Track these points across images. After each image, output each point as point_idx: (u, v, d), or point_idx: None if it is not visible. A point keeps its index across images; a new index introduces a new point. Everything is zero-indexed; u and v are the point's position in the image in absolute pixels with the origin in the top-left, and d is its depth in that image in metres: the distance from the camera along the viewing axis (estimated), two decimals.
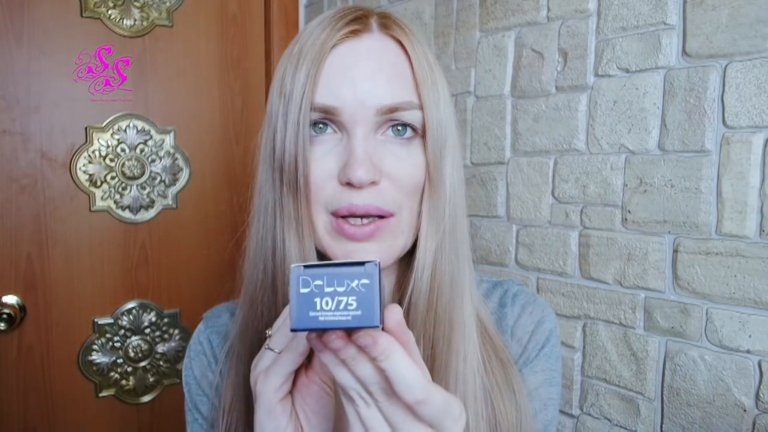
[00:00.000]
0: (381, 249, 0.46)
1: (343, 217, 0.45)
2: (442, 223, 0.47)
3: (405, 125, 0.46)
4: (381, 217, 0.45)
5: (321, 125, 0.46)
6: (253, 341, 0.49)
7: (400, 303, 0.48)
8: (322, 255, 0.48)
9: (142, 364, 1.35)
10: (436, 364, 0.47)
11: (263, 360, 0.39)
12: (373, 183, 0.44)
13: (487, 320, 0.53)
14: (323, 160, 0.45)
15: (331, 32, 0.44)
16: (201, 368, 0.58)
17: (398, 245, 0.47)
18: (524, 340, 0.55)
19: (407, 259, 0.50)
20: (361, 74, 0.44)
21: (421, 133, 0.47)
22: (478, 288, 0.55)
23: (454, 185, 0.49)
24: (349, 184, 0.44)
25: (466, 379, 0.47)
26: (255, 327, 0.49)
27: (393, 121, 0.46)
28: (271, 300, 0.48)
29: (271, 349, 0.38)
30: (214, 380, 0.56)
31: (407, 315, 0.47)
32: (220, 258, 1.42)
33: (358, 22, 0.46)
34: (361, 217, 0.45)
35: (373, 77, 0.44)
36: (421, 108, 0.46)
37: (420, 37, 0.49)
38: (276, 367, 0.38)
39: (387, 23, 0.48)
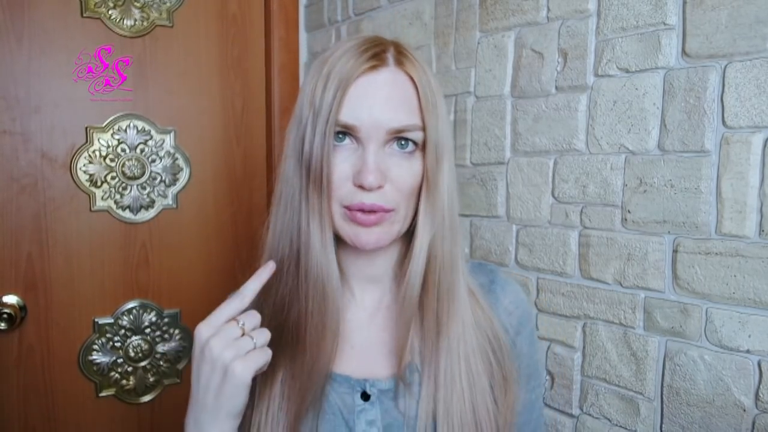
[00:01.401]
0: (381, 231, 0.59)
1: (352, 209, 0.57)
2: (438, 219, 0.60)
3: (407, 140, 0.58)
4: (383, 211, 0.58)
5: (341, 135, 0.58)
6: (276, 302, 0.61)
7: (401, 281, 0.62)
8: (336, 236, 0.61)
9: (143, 363, 1.35)
10: (442, 330, 0.60)
11: (243, 344, 0.53)
12: (380, 187, 0.56)
13: (478, 293, 0.65)
14: (342, 165, 0.57)
15: (355, 64, 0.56)
16: None
17: (394, 230, 0.60)
18: (508, 317, 0.67)
19: (407, 247, 0.63)
20: (377, 101, 0.56)
21: (421, 147, 0.59)
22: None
23: (450, 188, 0.62)
24: (361, 187, 0.56)
25: (465, 339, 0.61)
26: (276, 289, 0.61)
27: (399, 138, 0.58)
28: (294, 271, 0.60)
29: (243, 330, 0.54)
30: None
31: (404, 290, 0.60)
32: (220, 258, 1.42)
33: (377, 58, 0.57)
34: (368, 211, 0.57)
35: (386, 104, 0.57)
36: (423, 129, 0.58)
37: (426, 67, 0.61)
38: (258, 358, 0.53)
39: (401, 59, 0.59)
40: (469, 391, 0.60)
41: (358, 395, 0.62)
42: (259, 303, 0.60)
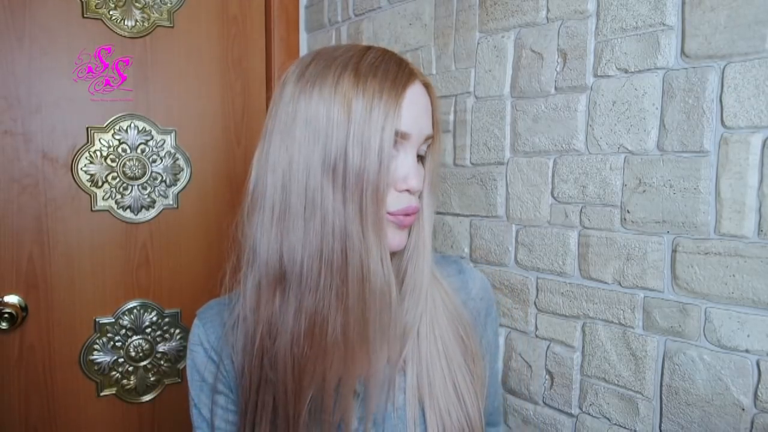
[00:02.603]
0: (408, 233, 0.64)
1: (398, 214, 0.60)
2: (429, 212, 0.66)
3: (419, 155, 0.63)
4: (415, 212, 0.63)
5: None
6: (307, 322, 0.58)
7: (401, 265, 0.65)
8: None
9: (143, 363, 1.36)
10: (421, 318, 0.64)
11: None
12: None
13: (435, 271, 0.69)
14: None
15: (401, 75, 0.58)
16: (201, 358, 0.67)
17: None
18: (479, 302, 0.74)
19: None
20: (421, 111, 0.60)
21: (424, 156, 0.65)
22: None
23: (435, 186, 0.67)
24: (407, 191, 0.60)
25: (438, 322, 0.65)
26: (308, 309, 0.58)
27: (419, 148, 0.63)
28: (340, 283, 0.58)
29: None
30: (222, 366, 0.65)
31: (408, 285, 0.64)
32: (220, 258, 1.42)
33: (411, 70, 0.61)
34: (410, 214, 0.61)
35: (426, 114, 0.61)
36: (433, 138, 0.64)
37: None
38: None
39: (420, 73, 0.63)
40: (448, 370, 0.63)
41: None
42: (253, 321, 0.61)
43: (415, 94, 0.59)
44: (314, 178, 0.56)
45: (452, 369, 0.64)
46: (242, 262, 0.63)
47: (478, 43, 1.03)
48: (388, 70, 0.58)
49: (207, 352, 0.66)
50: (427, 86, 0.62)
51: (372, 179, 0.55)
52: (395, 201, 0.60)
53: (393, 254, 0.65)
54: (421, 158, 0.64)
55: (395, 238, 0.61)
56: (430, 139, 0.63)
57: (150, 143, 1.33)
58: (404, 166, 0.59)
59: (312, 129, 0.56)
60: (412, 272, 0.64)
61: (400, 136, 0.58)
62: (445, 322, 0.66)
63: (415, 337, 0.63)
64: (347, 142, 0.55)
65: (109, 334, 1.31)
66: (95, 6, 1.26)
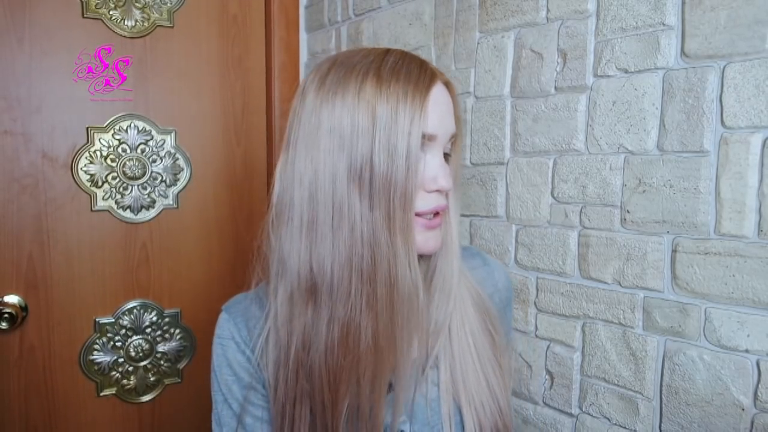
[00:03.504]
0: (440, 233, 0.63)
1: (426, 215, 0.60)
2: (454, 210, 0.66)
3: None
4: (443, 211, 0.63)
5: None
6: (340, 331, 0.58)
7: (430, 263, 0.66)
8: None
9: (143, 363, 1.36)
10: (452, 313, 0.64)
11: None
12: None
13: (466, 271, 0.70)
14: None
15: (423, 77, 0.58)
16: (232, 352, 0.66)
17: None
18: (504, 292, 0.75)
19: None
20: (445, 111, 0.60)
21: (449, 154, 0.65)
22: None
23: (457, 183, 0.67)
24: (437, 191, 0.60)
25: (468, 316, 0.66)
26: (340, 318, 0.58)
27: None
28: (370, 290, 0.58)
29: None
30: (252, 360, 0.65)
31: (440, 282, 0.65)
32: (220, 258, 1.43)
33: (432, 70, 0.60)
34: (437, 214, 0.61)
35: (450, 113, 0.61)
36: (456, 135, 0.64)
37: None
38: None
39: (440, 73, 0.62)
40: (480, 364, 0.64)
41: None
42: (286, 333, 0.60)
43: (438, 94, 0.59)
44: (341, 186, 0.56)
45: (483, 363, 0.65)
46: (270, 274, 0.62)
47: (478, 43, 1.03)
48: (410, 73, 0.58)
49: (239, 345, 0.66)
50: (447, 85, 0.62)
51: (400, 184, 0.55)
52: (424, 202, 0.60)
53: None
54: (446, 156, 0.64)
55: (429, 241, 0.61)
56: (454, 137, 0.63)
57: (150, 143, 1.33)
58: (433, 167, 0.59)
59: (337, 137, 0.56)
60: (441, 270, 0.65)
61: (427, 138, 0.58)
62: (474, 317, 0.66)
63: (447, 333, 0.64)
64: (373, 149, 0.55)
65: (109, 334, 1.31)
66: (95, 6, 1.26)
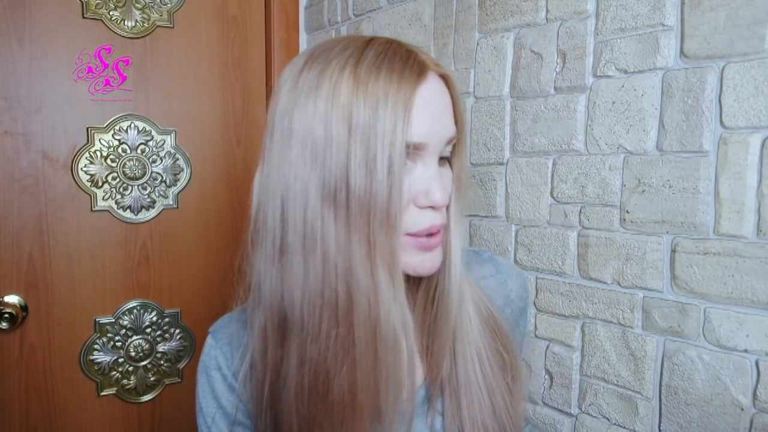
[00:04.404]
0: (439, 251, 0.54)
1: (420, 235, 0.51)
2: (456, 219, 0.55)
3: (444, 157, 0.53)
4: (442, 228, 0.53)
5: None
6: (311, 376, 0.51)
7: (427, 294, 0.57)
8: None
9: (143, 363, 1.36)
10: (456, 336, 0.57)
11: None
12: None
13: (475, 286, 0.61)
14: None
15: (408, 74, 0.48)
16: (219, 384, 0.59)
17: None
18: (518, 302, 0.66)
19: None
20: (437, 113, 0.50)
21: (449, 158, 0.55)
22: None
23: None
24: (430, 207, 0.50)
25: (475, 339, 0.57)
26: (311, 361, 0.50)
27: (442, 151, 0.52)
28: (344, 331, 0.49)
29: None
30: (238, 391, 0.58)
31: (441, 303, 0.56)
32: (220, 258, 1.43)
33: (419, 62, 0.50)
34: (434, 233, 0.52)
35: (444, 114, 0.51)
36: (458, 134, 0.53)
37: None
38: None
39: (435, 63, 0.52)
40: (487, 391, 0.56)
41: None
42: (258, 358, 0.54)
43: (428, 92, 0.49)
44: (313, 207, 0.48)
45: (490, 388, 0.57)
46: (248, 299, 0.56)
47: (478, 44, 1.03)
48: (393, 69, 0.48)
49: (226, 378, 0.59)
50: (445, 78, 0.52)
51: (381, 203, 0.46)
52: (416, 220, 0.50)
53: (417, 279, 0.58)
54: (446, 160, 0.54)
55: (426, 263, 0.52)
56: (455, 140, 0.53)
57: (150, 143, 1.33)
58: (424, 180, 0.50)
59: (309, 149, 0.48)
60: (441, 288, 0.56)
61: (413, 148, 0.48)
62: (481, 336, 0.58)
63: (451, 357, 0.56)
64: (349, 163, 0.46)
65: (109, 334, 1.31)
66: (95, 6, 1.26)
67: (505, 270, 0.66)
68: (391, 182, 0.46)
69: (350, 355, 0.49)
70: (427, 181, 0.50)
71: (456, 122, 0.53)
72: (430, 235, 0.51)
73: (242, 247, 0.55)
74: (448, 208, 0.54)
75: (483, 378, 0.57)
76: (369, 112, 0.46)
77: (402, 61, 0.48)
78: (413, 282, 0.59)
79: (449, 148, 0.53)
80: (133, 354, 1.34)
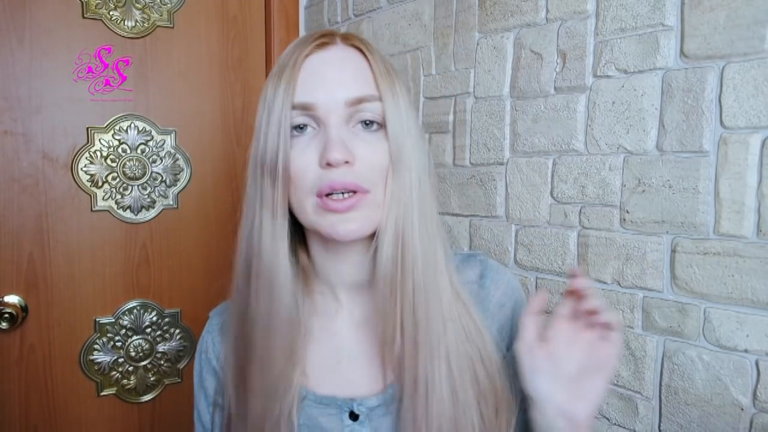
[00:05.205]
0: (360, 217, 0.54)
1: (327, 195, 0.53)
2: (406, 201, 0.55)
3: (372, 121, 0.55)
4: (359, 192, 0.53)
5: (301, 126, 0.54)
6: (237, 328, 0.59)
7: (374, 271, 0.56)
8: (300, 232, 0.61)
9: (143, 363, 1.36)
10: (420, 329, 0.54)
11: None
12: (348, 163, 0.52)
13: (462, 291, 0.59)
14: (304, 152, 0.54)
15: (303, 46, 0.55)
16: (206, 367, 0.65)
17: (375, 217, 0.55)
18: (507, 308, 0.63)
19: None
20: (330, 75, 0.54)
21: (384, 126, 0.55)
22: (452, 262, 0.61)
23: (419, 170, 0.56)
24: (329, 165, 0.52)
25: (447, 343, 0.55)
26: (236, 313, 0.59)
27: (360, 114, 0.54)
28: (246, 276, 0.57)
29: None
30: (220, 375, 0.63)
31: (377, 289, 0.55)
32: (220, 258, 1.43)
33: (325, 37, 0.56)
34: (342, 192, 0.53)
35: (340, 76, 0.54)
36: (381, 99, 0.54)
37: (379, 51, 0.59)
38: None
39: (349, 37, 0.57)
40: (451, 402, 0.54)
41: (346, 415, 0.57)
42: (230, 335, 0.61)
43: (322, 59, 0.54)
44: (249, 175, 0.57)
45: (456, 404, 0.54)
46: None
47: (478, 44, 1.03)
48: (296, 45, 0.55)
49: (210, 362, 0.64)
50: (360, 46, 0.56)
51: (270, 159, 0.53)
52: (317, 179, 0.53)
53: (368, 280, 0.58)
54: (374, 123, 0.55)
55: (337, 226, 0.53)
56: (374, 102, 0.54)
57: (150, 143, 1.33)
58: (323, 140, 0.53)
59: (256, 122, 0.58)
60: (381, 264, 0.55)
61: (303, 108, 0.53)
62: (457, 347, 0.55)
63: (412, 358, 0.54)
64: (260, 129, 0.55)
65: (109, 334, 1.31)
66: (95, 6, 1.26)
67: (490, 275, 0.63)
68: (279, 142, 0.52)
69: (249, 304, 0.56)
70: (325, 141, 0.53)
71: (379, 90, 0.55)
72: (345, 197, 0.52)
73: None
74: (387, 181, 0.55)
75: (448, 383, 0.54)
76: (273, 85, 0.54)
77: (304, 40, 0.56)
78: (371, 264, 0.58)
79: (369, 114, 0.54)
80: (133, 354, 1.34)
